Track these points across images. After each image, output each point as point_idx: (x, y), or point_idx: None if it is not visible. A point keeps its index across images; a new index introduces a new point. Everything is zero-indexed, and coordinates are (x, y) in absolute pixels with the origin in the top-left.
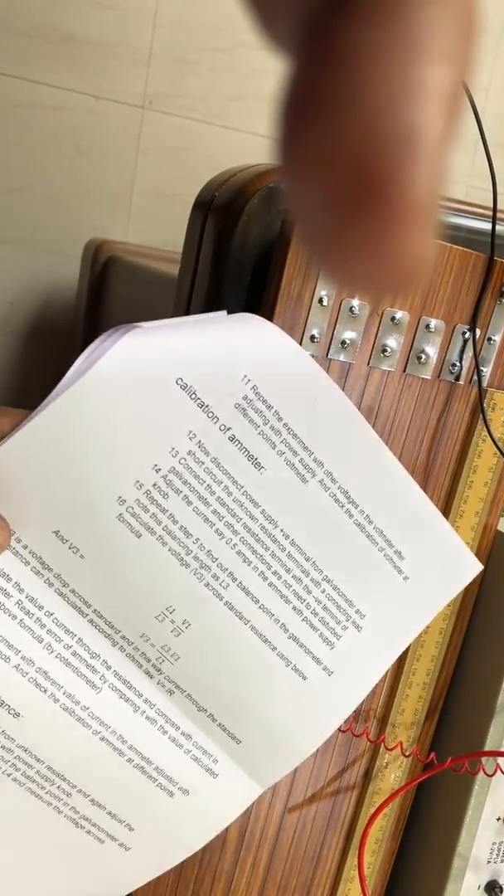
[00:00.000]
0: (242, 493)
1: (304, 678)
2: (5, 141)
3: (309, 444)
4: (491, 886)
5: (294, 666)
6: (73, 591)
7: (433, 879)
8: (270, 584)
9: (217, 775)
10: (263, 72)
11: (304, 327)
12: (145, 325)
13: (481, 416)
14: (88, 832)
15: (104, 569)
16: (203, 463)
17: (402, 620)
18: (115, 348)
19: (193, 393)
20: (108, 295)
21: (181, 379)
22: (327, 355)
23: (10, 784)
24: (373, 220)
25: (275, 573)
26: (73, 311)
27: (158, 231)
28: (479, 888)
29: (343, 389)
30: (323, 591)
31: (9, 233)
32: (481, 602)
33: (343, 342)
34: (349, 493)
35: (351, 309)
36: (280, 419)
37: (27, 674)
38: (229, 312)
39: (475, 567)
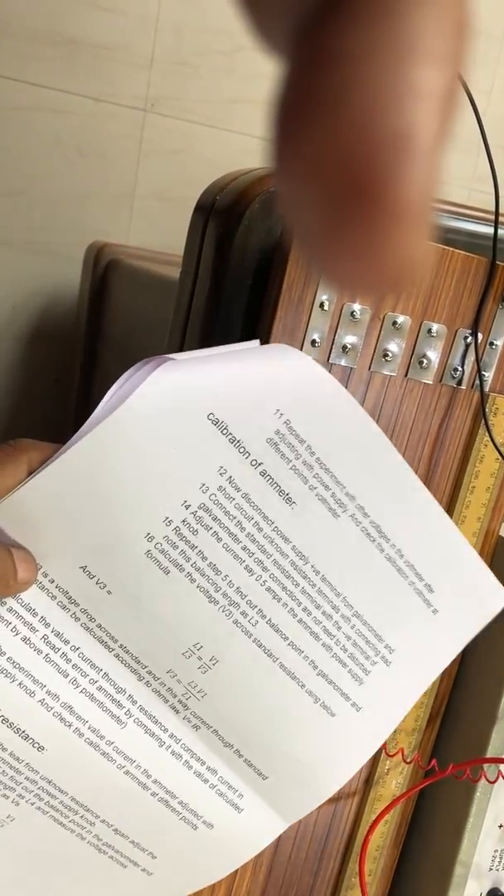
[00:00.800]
0: (273, 529)
1: (333, 714)
2: (6, 144)
3: (341, 478)
4: (493, 894)
5: (323, 703)
6: (99, 626)
7: (435, 887)
8: (300, 621)
9: (242, 810)
10: (265, 75)
11: (306, 331)
12: (177, 356)
13: (483, 420)
14: (111, 857)
15: (131, 604)
16: (234, 499)
17: (431, 654)
18: (146, 383)
19: (225, 428)
20: (109, 298)
21: (213, 414)
22: (328, 360)
23: (35, 812)
24: (366, 221)
25: (305, 609)
26: (75, 314)
27: (160, 234)
28: (480, 895)
29: None
30: (353, 627)
31: (10, 236)
32: None
33: (344, 347)
34: (381, 527)
35: (352, 313)
36: (312, 453)
37: (52, 708)
38: (231, 317)
39: (502, 598)
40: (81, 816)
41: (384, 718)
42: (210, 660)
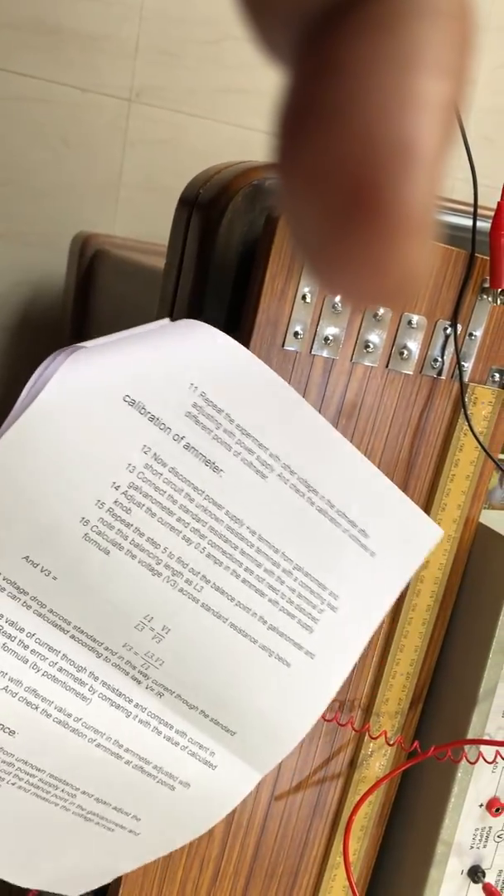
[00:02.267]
0: (205, 498)
1: (288, 665)
2: None
3: (263, 441)
4: (474, 871)
5: (277, 655)
6: (51, 611)
7: (417, 864)
8: (244, 581)
9: (215, 767)
10: (251, 64)
11: (288, 323)
12: (87, 344)
13: (462, 410)
14: (97, 824)
15: (78, 587)
16: (161, 474)
17: (375, 595)
18: (56, 375)
19: (143, 407)
20: (95, 289)
21: (128, 395)
22: (311, 351)
23: (16, 790)
24: (367, 231)
25: (246, 569)
26: (61, 305)
27: (146, 224)
28: (462, 873)
29: (326, 385)
30: (295, 580)
31: None
32: (464, 592)
33: (326, 338)
34: (308, 482)
35: (334, 305)
36: (232, 421)
37: (17, 694)
38: (215, 310)
39: (435, 532)
40: (62, 790)
41: (338, 662)
42: (162, 629)
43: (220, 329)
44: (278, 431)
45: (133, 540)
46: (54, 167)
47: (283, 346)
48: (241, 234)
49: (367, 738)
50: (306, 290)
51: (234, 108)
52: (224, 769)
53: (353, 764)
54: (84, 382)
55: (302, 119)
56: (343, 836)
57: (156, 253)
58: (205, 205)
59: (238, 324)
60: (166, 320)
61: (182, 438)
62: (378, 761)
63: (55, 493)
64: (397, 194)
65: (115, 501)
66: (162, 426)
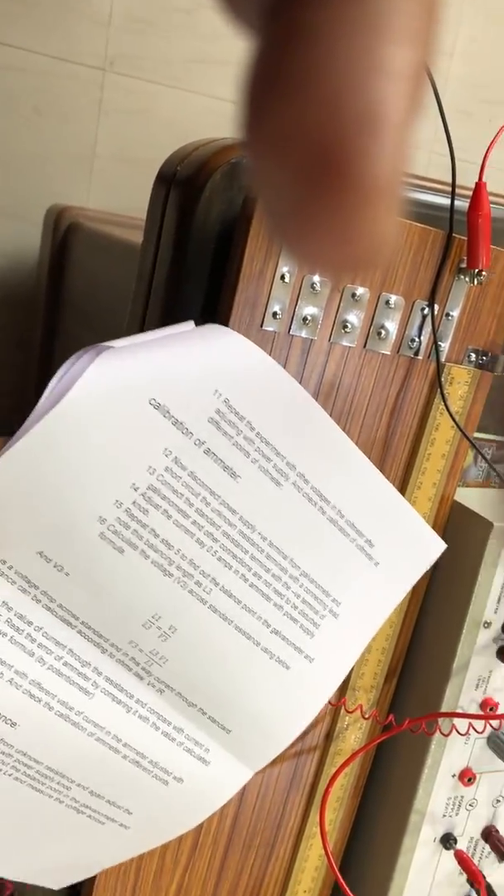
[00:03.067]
0: (220, 503)
1: (288, 668)
2: None
3: (281, 449)
4: (446, 838)
5: (278, 658)
6: (60, 606)
7: (391, 833)
8: (251, 585)
9: (209, 763)
10: (226, 34)
11: (266, 304)
12: (115, 343)
13: (439, 390)
14: (89, 816)
15: (89, 584)
16: (180, 478)
17: (375, 603)
18: (85, 375)
19: (167, 412)
20: (70, 262)
21: (154, 399)
22: (289, 331)
23: (12, 781)
24: (334, 198)
25: (255, 574)
26: (35, 278)
27: (120, 195)
28: (434, 840)
29: (304, 365)
30: (301, 586)
31: None
32: (439, 569)
33: (305, 318)
34: (321, 492)
35: (312, 285)
36: (252, 429)
37: (21, 686)
38: (193, 288)
39: (439, 546)
40: (58, 783)
41: (335, 667)
42: (169, 628)
43: (199, 310)
44: (296, 441)
45: (148, 541)
46: (26, 137)
47: (261, 326)
48: (219, 212)
49: (343, 711)
50: (285, 269)
51: (210, 78)
52: (217, 766)
53: (329, 737)
54: (111, 383)
55: (268, 86)
56: (319, 808)
57: (131, 226)
58: (183, 182)
59: (216, 303)
60: (191, 323)
61: (203, 443)
62: (354, 734)
63: (75, 490)
64: (364, 161)
65: (133, 502)
66: (185, 430)
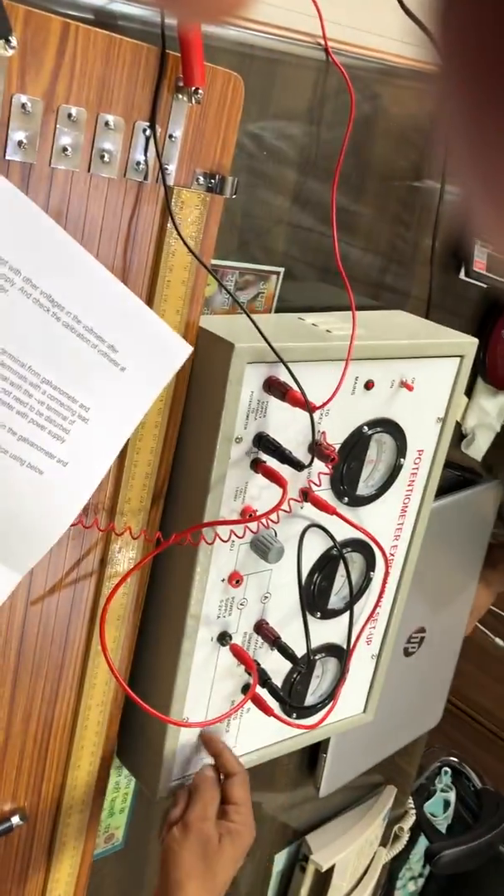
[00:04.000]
0: None
1: (41, 472)
2: None
3: (2, 253)
4: (222, 637)
5: (29, 464)
6: None
7: (171, 640)
8: None
9: None
10: None
11: None
12: None
13: (169, 214)
14: None
15: None
16: None
17: (126, 408)
18: None
19: None
20: None
21: None
22: (4, 156)
23: None
24: None
25: None
26: None
27: None
28: (212, 640)
29: (27, 192)
30: (44, 393)
31: None
32: (191, 392)
33: (19, 142)
34: (52, 297)
35: (23, 105)
36: None
37: None
38: None
39: (185, 349)
40: None
41: (90, 469)
42: None
43: None
44: (16, 244)
45: None
46: None
47: None
48: None
49: (114, 536)
50: None
51: None
52: None
53: (104, 562)
54: None
55: None
56: (99, 627)
57: None
58: None
59: None
60: None
61: None
62: (126, 556)
63: None
64: None
65: None
66: None
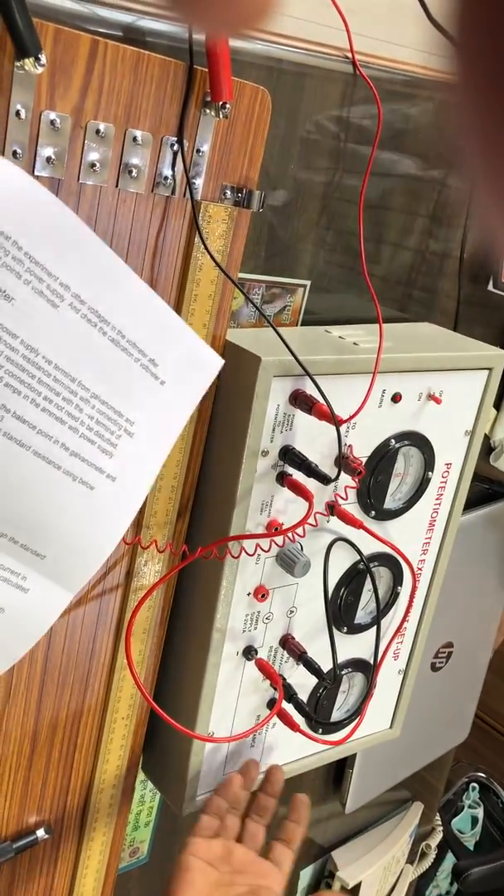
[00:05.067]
0: None
1: (92, 488)
2: None
3: (53, 269)
4: (247, 651)
5: (81, 479)
6: None
7: (197, 654)
8: (43, 409)
9: (28, 590)
10: None
11: (4, 143)
12: None
13: (196, 228)
14: None
15: None
16: None
17: (167, 420)
18: None
19: None
20: None
21: None
22: (33, 172)
23: None
24: None
25: (45, 398)
26: None
27: None
28: (237, 654)
29: None
30: (94, 407)
31: None
32: (217, 406)
33: (48, 158)
34: (99, 312)
35: (52, 122)
36: (20, 248)
37: None
38: None
39: (217, 362)
40: None
41: (137, 483)
42: None
43: None
44: (66, 260)
45: None
46: None
47: None
48: None
49: (139, 548)
50: (19, 106)
51: None
52: (36, 592)
53: (130, 574)
54: None
55: None
56: (125, 640)
57: None
58: None
59: None
60: None
61: None
62: (153, 569)
63: None
64: None
65: None
66: None
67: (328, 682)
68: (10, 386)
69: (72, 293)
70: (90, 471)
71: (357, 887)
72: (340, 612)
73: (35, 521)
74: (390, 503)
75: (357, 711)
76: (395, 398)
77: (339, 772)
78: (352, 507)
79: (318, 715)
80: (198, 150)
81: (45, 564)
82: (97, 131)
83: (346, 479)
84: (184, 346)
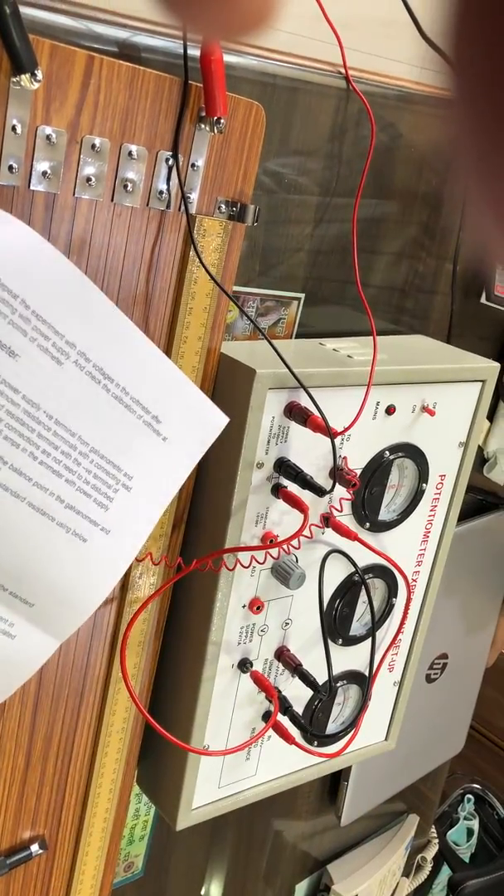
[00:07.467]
0: (1, 383)
1: (85, 540)
2: None
3: (59, 328)
4: (243, 663)
5: (74, 531)
6: None
7: (192, 667)
8: (41, 463)
9: (14, 637)
10: None
11: (0, 158)
12: None
13: (191, 242)
14: None
15: None
16: None
17: (166, 476)
18: None
19: None
20: None
21: None
22: (29, 186)
23: None
24: None
25: (44, 452)
26: None
27: None
28: (232, 666)
29: (51, 221)
30: (92, 462)
31: None
32: None
33: (44, 172)
34: (104, 370)
35: (48, 137)
36: (27, 307)
37: None
38: None
39: (221, 420)
40: None
41: (132, 538)
42: None
43: None
44: (74, 319)
45: None
46: None
47: None
48: None
49: (134, 561)
50: (14, 121)
51: None
52: (23, 639)
53: (124, 587)
54: None
55: None
56: (119, 653)
57: None
58: None
59: None
60: None
61: None
62: (147, 582)
63: None
64: None
65: None
66: None
67: (323, 695)
68: (9, 439)
69: (77, 351)
70: (84, 523)
71: None
72: (335, 624)
73: (26, 569)
74: (385, 515)
75: (352, 724)
76: (389, 410)
77: (333, 784)
78: (346, 518)
79: (313, 727)
80: (193, 165)
81: (33, 613)
82: (93, 146)
83: (340, 490)
84: (188, 403)
